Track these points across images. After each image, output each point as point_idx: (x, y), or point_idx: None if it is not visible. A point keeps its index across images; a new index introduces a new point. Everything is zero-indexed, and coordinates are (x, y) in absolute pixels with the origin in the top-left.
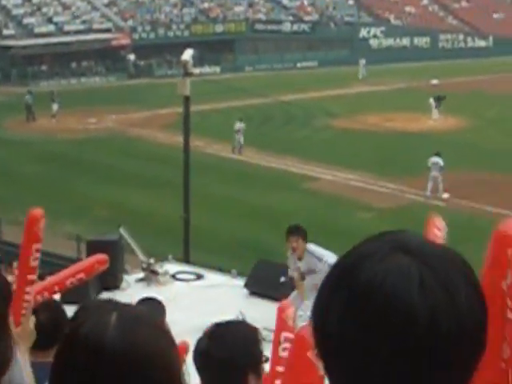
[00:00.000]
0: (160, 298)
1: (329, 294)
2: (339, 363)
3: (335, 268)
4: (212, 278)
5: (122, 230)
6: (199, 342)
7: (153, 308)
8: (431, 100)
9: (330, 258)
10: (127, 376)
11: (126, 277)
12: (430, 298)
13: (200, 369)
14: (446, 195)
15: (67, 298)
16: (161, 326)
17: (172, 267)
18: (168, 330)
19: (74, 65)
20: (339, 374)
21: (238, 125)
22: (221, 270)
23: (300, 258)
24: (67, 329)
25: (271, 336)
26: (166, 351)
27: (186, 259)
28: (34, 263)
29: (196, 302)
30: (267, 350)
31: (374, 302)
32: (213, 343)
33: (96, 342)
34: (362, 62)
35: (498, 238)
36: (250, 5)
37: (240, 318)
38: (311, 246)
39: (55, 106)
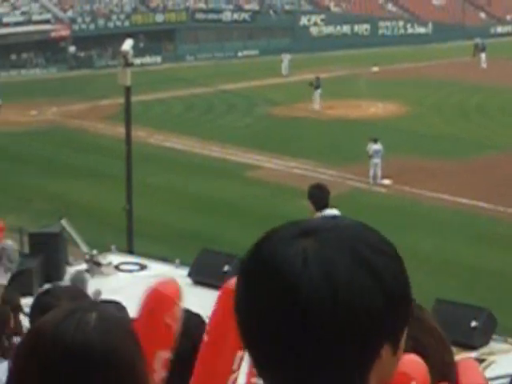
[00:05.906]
0: (104, 288)
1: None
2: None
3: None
4: (155, 268)
5: (63, 222)
6: None
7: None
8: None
9: None
10: (102, 379)
11: (69, 268)
12: (310, 269)
13: None
14: (387, 181)
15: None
16: (133, 330)
17: (115, 258)
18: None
19: (13, 57)
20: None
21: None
22: (164, 259)
23: None
24: (34, 324)
25: None
26: (136, 356)
27: (129, 250)
28: None
29: (140, 292)
30: None
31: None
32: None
33: (76, 342)
34: (287, 56)
35: None
36: None
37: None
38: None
39: None
